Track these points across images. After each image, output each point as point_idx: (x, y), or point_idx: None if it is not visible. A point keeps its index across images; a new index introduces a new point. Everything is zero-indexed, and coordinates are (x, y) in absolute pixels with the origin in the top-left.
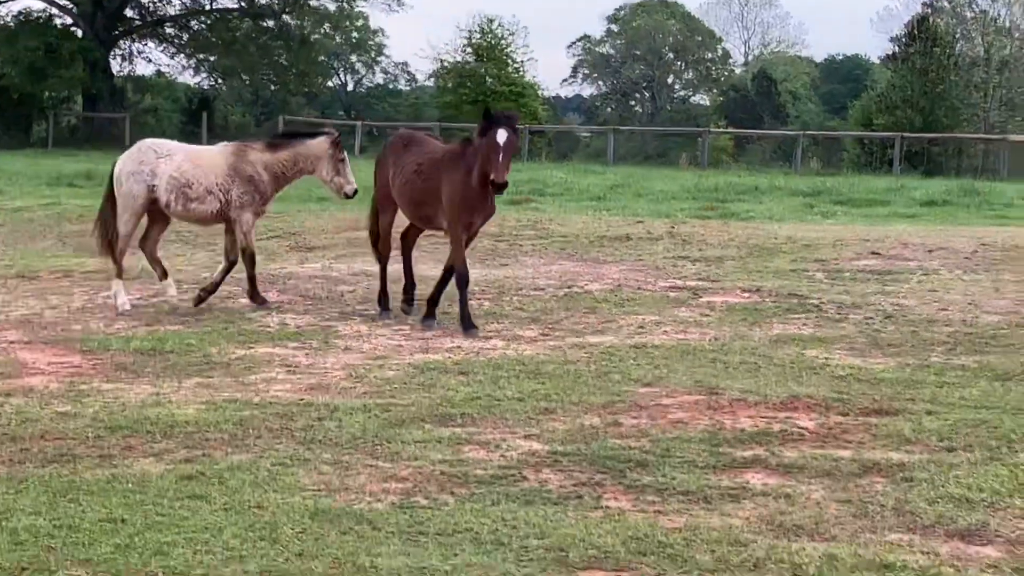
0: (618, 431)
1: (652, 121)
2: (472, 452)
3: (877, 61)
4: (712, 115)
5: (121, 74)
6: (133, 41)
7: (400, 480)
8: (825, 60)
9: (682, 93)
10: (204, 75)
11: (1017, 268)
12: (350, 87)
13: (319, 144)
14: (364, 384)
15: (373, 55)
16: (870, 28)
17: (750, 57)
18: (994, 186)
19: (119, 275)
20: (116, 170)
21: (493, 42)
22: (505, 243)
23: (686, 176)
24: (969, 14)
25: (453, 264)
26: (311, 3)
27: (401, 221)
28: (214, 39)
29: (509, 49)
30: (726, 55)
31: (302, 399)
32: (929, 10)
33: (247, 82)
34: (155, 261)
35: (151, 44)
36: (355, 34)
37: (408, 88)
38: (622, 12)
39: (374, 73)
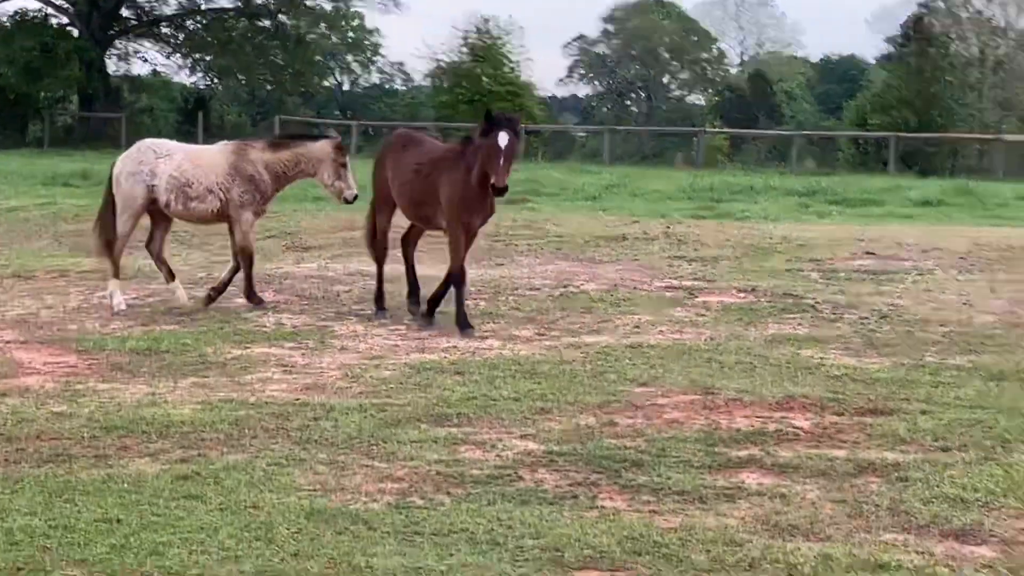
0: (614, 431)
1: (648, 121)
2: (468, 452)
3: (872, 61)
4: (708, 115)
5: (117, 74)
6: (129, 41)
7: (396, 480)
8: (820, 60)
9: (678, 93)
10: (200, 75)
11: (1012, 268)
12: (346, 87)
13: (322, 147)
14: (360, 384)
15: (369, 55)
16: (865, 28)
17: (745, 57)
18: (989, 186)
19: (115, 275)
20: (115, 171)
21: (489, 42)
22: (501, 243)
23: (682, 176)
24: (964, 14)
25: (452, 265)
26: (307, 3)
27: (399, 223)
28: (210, 39)
29: (505, 49)
30: (722, 55)
31: (298, 399)
32: (924, 10)
33: (243, 82)
34: (162, 263)
35: (147, 44)
36: (351, 34)
37: (404, 88)
38: (618, 12)
39: (370, 73)
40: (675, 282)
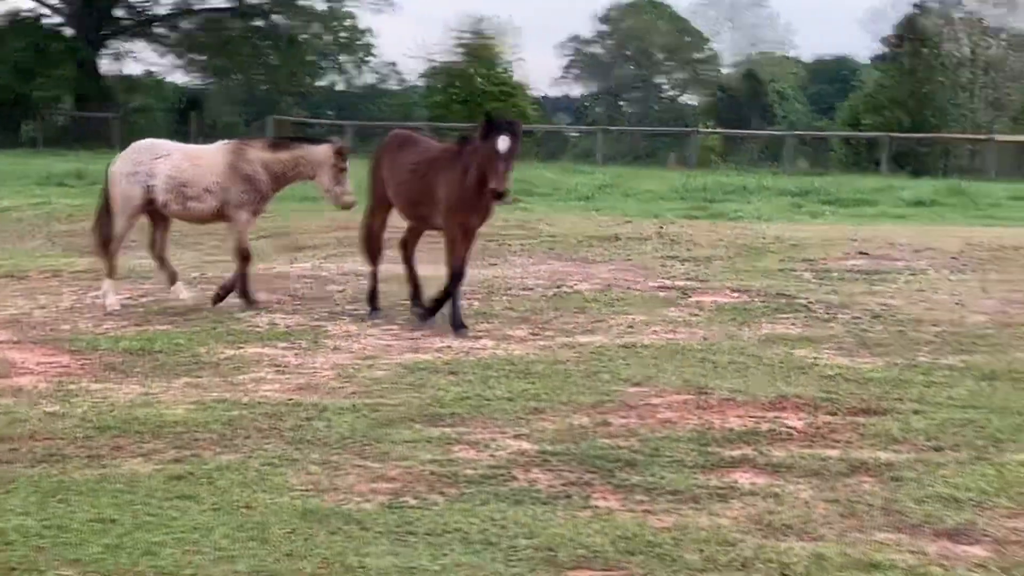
0: (607, 431)
1: (641, 121)
2: (461, 452)
3: (865, 62)
4: (701, 115)
5: (110, 74)
6: (122, 41)
7: (389, 480)
8: (813, 60)
9: (671, 93)
10: (194, 75)
11: (1004, 268)
12: (340, 87)
13: (323, 151)
14: (353, 384)
15: (362, 55)
16: (858, 29)
17: (738, 57)
18: (981, 186)
19: (110, 274)
20: (112, 171)
21: (482, 42)
22: (494, 243)
23: (675, 176)
24: (956, 15)
25: (449, 264)
26: (300, 3)
27: (396, 225)
28: (203, 39)
29: (499, 49)
30: (715, 55)
31: (291, 399)
32: (917, 11)
33: (237, 82)
34: (164, 264)
35: (140, 44)
36: (344, 34)
37: (398, 88)
38: (612, 12)
39: (364, 73)
40: (668, 282)
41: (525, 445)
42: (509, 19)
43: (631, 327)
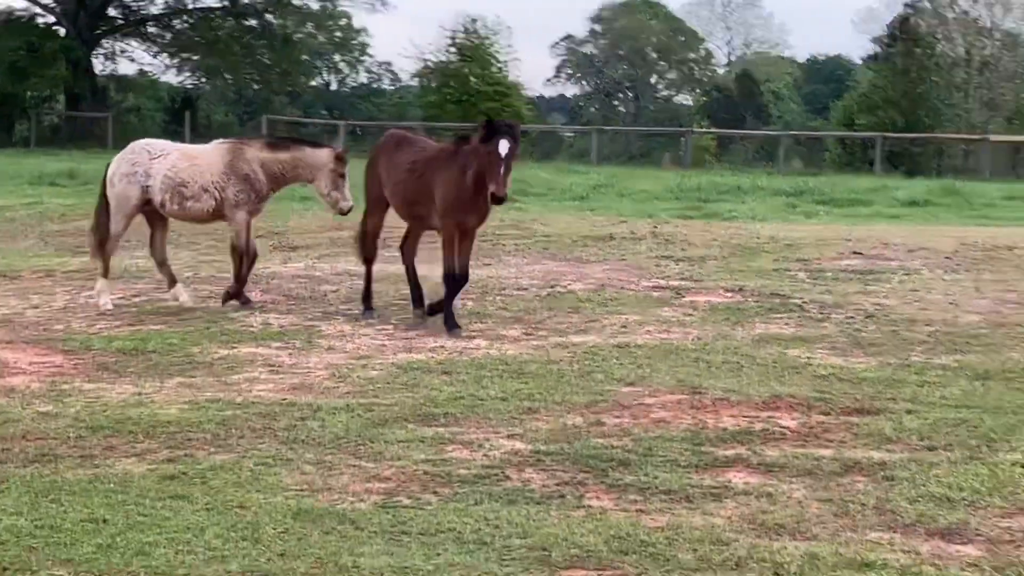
0: (601, 430)
1: (635, 121)
2: (455, 452)
3: (859, 61)
4: (695, 115)
5: (104, 73)
6: (116, 40)
7: (383, 480)
8: (807, 60)
9: (665, 93)
10: (187, 74)
11: (997, 268)
12: (333, 86)
13: (323, 154)
14: (347, 384)
15: (356, 54)
16: (852, 29)
17: (733, 57)
18: (975, 186)
19: (104, 274)
20: (109, 172)
21: (476, 42)
22: (488, 243)
23: (669, 176)
24: (950, 15)
25: (448, 264)
26: (294, 2)
27: (396, 225)
28: (197, 38)
29: (493, 49)
30: (709, 55)
31: (285, 399)
32: (911, 11)
33: (230, 81)
34: (164, 267)
35: (134, 43)
36: (338, 33)
37: (392, 88)
38: (605, 12)
39: (357, 72)
40: (662, 282)
41: (519, 445)
42: (502, 19)
43: (625, 327)
